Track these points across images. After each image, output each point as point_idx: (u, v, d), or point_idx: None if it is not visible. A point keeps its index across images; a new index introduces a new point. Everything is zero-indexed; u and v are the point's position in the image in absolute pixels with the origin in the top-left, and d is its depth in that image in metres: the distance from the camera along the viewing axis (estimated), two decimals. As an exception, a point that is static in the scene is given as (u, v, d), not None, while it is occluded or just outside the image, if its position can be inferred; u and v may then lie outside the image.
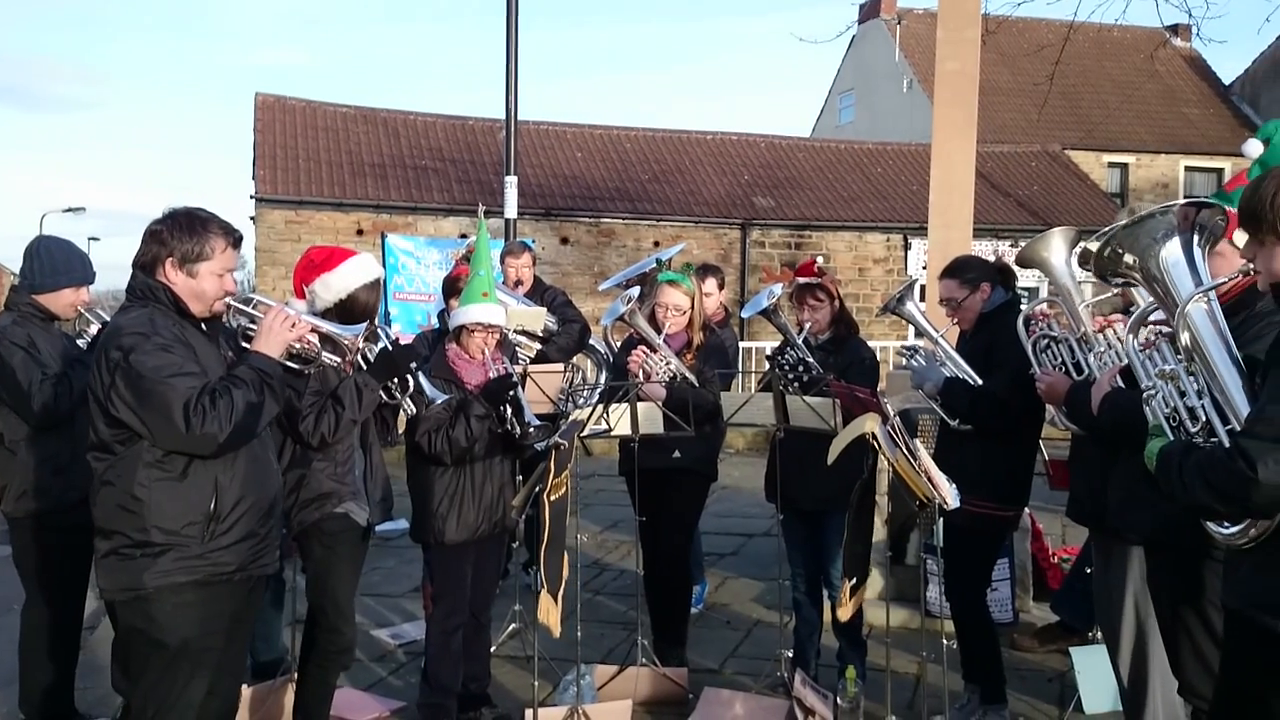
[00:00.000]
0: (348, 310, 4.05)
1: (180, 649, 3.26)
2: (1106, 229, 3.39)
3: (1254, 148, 3.65)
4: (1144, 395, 2.83)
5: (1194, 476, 2.52)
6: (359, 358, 3.93)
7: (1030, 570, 6.26)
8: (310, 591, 4.15)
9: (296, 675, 4.34)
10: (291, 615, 4.74)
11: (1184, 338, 2.69)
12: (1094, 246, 3.61)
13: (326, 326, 3.75)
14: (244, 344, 3.53)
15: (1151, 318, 3.12)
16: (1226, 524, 2.64)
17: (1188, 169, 31.94)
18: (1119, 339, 3.53)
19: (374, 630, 6.01)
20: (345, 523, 4.03)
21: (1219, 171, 30.32)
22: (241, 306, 3.57)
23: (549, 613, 4.07)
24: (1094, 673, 4.78)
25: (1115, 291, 3.70)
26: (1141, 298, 3.44)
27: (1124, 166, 31.86)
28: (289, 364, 3.56)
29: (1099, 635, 5.18)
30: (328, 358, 3.75)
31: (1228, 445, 2.53)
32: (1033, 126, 27.43)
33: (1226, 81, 35.88)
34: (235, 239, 3.42)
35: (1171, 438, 2.72)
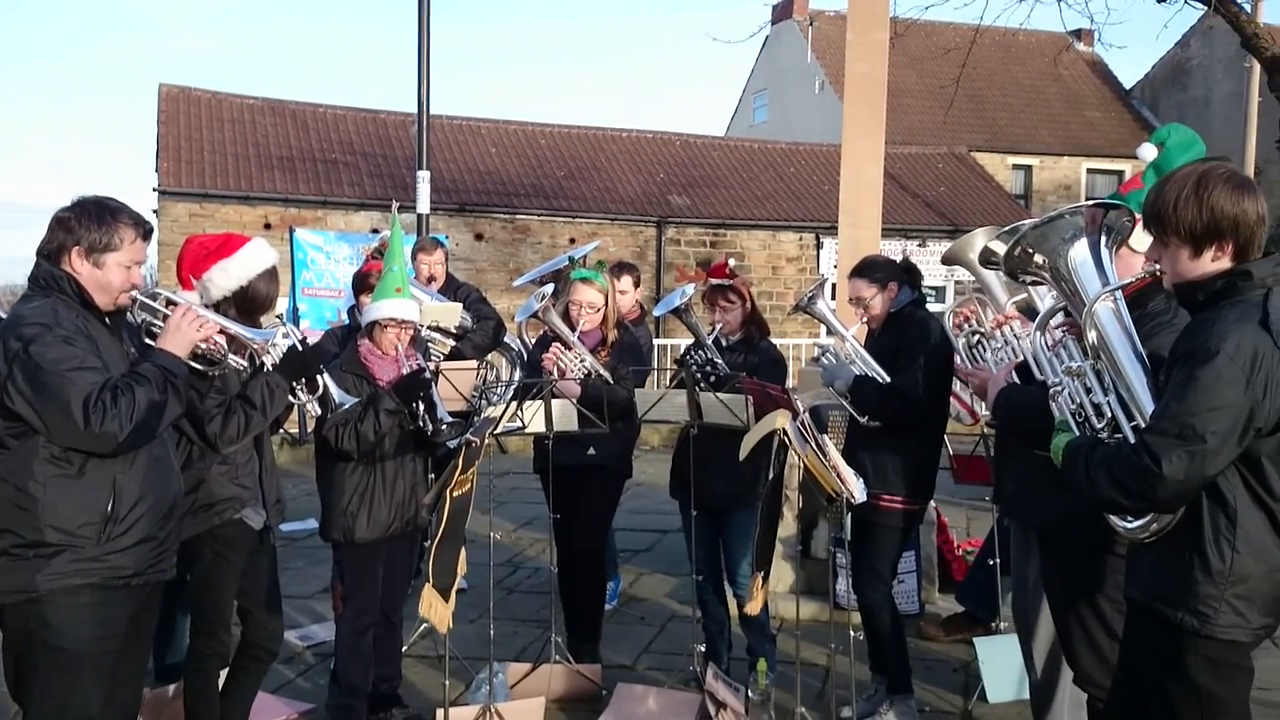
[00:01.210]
0: (245, 300, 3.86)
1: (76, 654, 3.16)
2: (1014, 227, 3.50)
3: (1148, 151, 3.76)
4: (1050, 391, 2.90)
5: (1100, 471, 2.59)
6: (264, 356, 3.81)
7: (936, 562, 6.40)
8: (193, 596, 4.03)
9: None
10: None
11: (1091, 336, 2.76)
12: (999, 246, 3.71)
13: (235, 328, 3.63)
14: (148, 341, 3.43)
15: (1054, 319, 3.21)
16: (1129, 518, 2.72)
17: (1089, 171, 32.89)
18: (1015, 335, 3.63)
19: (282, 632, 5.91)
20: (239, 528, 3.91)
21: (1120, 174, 31.22)
22: (148, 301, 3.46)
23: (433, 608, 3.99)
24: (997, 662, 4.91)
25: (1025, 295, 3.81)
26: (1039, 299, 3.55)
27: (1028, 168, 32.69)
28: (193, 365, 3.46)
29: (1002, 625, 5.33)
30: (234, 360, 3.63)
31: (1133, 441, 2.61)
32: (940, 128, 27.98)
33: (1127, 86, 37.04)
34: (145, 231, 3.32)
35: (1077, 433, 2.79)
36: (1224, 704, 2.67)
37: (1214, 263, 2.64)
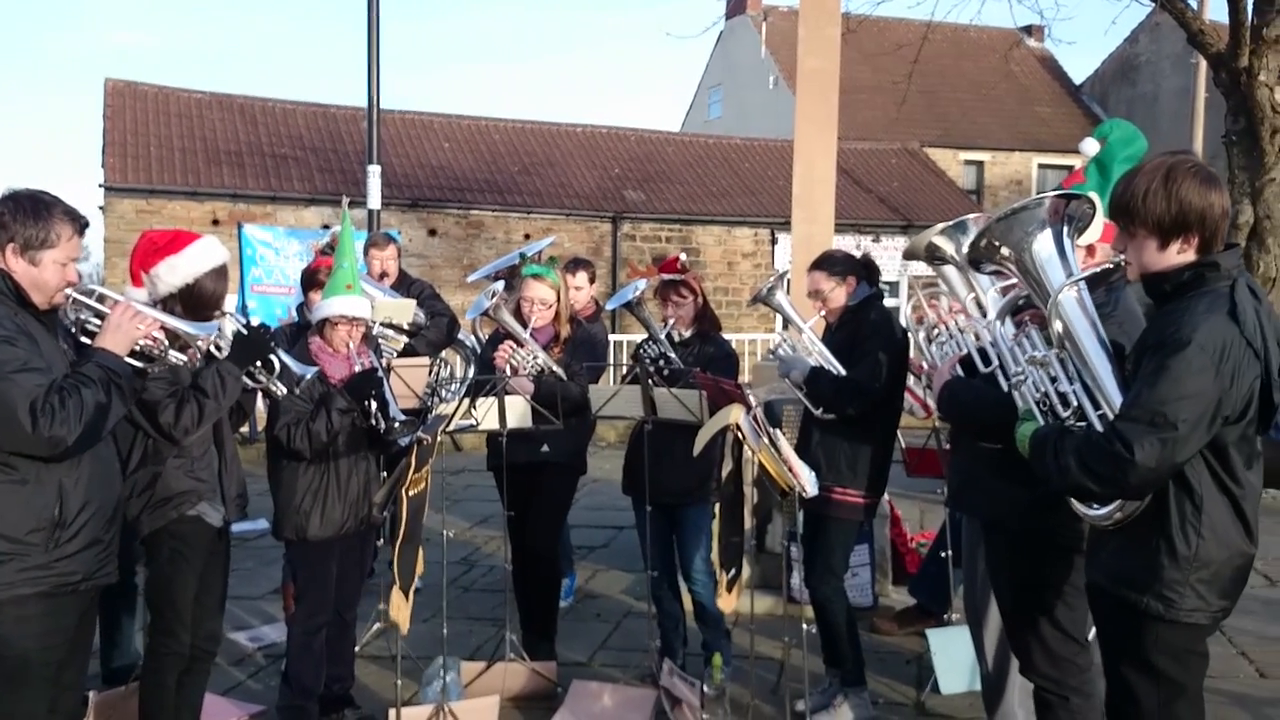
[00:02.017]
0: (193, 297, 3.80)
1: (20, 664, 3.09)
2: (959, 222, 3.52)
3: (1091, 146, 3.81)
4: (1013, 381, 2.94)
5: (1071, 458, 2.64)
6: (211, 348, 3.75)
7: (889, 555, 6.45)
8: (149, 593, 3.98)
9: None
10: (143, 620, 4.57)
11: (1056, 325, 2.80)
12: (944, 242, 3.73)
13: (175, 323, 3.56)
14: (84, 340, 3.35)
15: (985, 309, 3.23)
16: (1094, 506, 2.76)
17: (1040, 166, 33.29)
18: (960, 329, 3.65)
19: (232, 633, 5.84)
20: (197, 524, 3.87)
21: (1070, 168, 31.55)
22: (84, 299, 3.35)
23: (399, 609, 3.99)
24: (950, 654, 4.95)
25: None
26: (982, 292, 3.56)
27: (980, 164, 33.04)
28: (133, 362, 3.38)
29: (954, 617, 5.38)
30: (174, 356, 3.55)
31: (1102, 429, 2.66)
32: (893, 124, 28.20)
33: (1077, 81, 37.55)
34: (81, 225, 3.23)
35: (1042, 422, 2.83)
36: (1181, 688, 2.74)
37: (1180, 255, 2.70)
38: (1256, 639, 5.71)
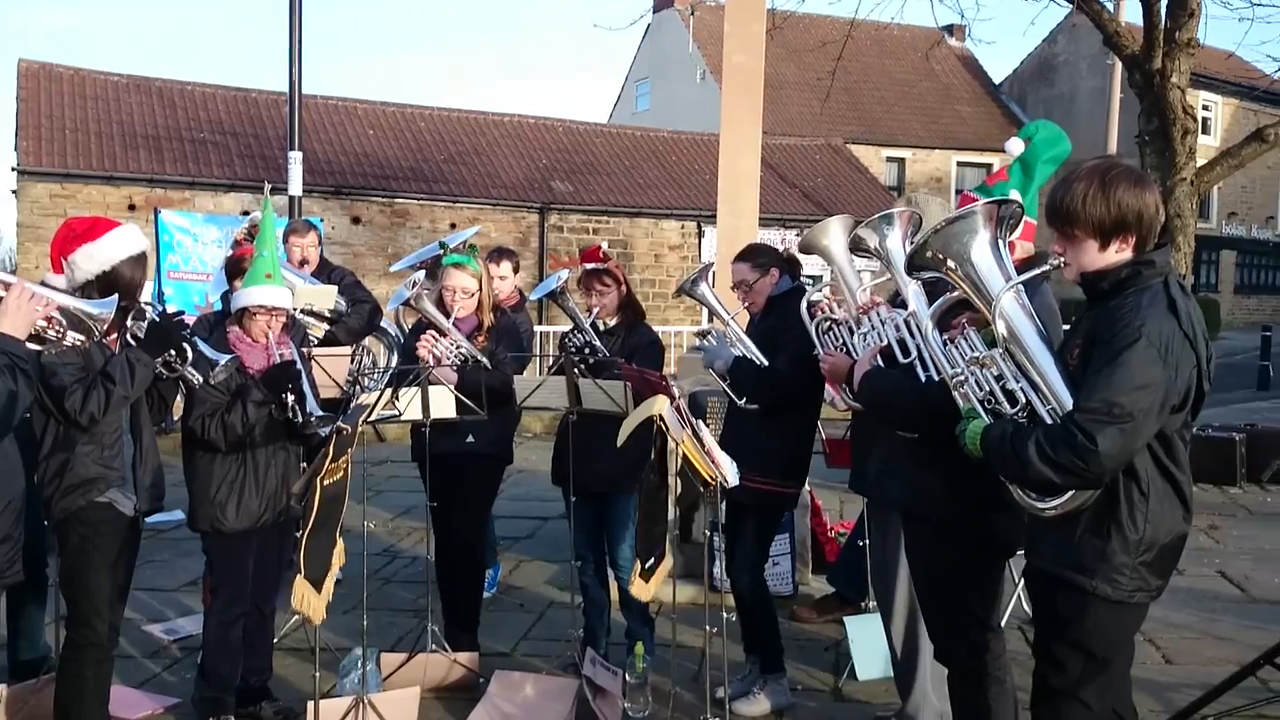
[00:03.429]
0: (110, 285, 3.76)
1: None
2: (886, 214, 3.59)
3: (1016, 145, 3.89)
4: (953, 382, 3.02)
5: (1033, 452, 2.72)
6: (128, 336, 3.71)
7: (810, 545, 6.53)
8: (63, 582, 3.91)
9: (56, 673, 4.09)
10: (55, 612, 4.47)
11: (1000, 327, 2.88)
12: (867, 234, 3.80)
13: (73, 303, 3.49)
14: None
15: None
16: (1043, 498, 2.84)
17: (959, 164, 33.93)
18: (881, 320, 3.72)
19: (146, 625, 5.73)
20: (108, 512, 3.81)
21: (988, 166, 32.29)
22: None
23: (305, 600, 3.91)
24: (866, 641, 5.05)
25: (888, 277, 3.90)
26: (903, 285, 3.63)
27: (901, 161, 33.56)
28: (31, 345, 3.29)
29: (871, 605, 5.47)
30: (73, 337, 3.48)
31: (1059, 423, 2.75)
32: (817, 120, 28.52)
33: (996, 81, 38.26)
34: None
35: (988, 420, 2.91)
36: (1106, 663, 2.87)
37: (1118, 254, 2.82)
38: (1163, 625, 5.90)
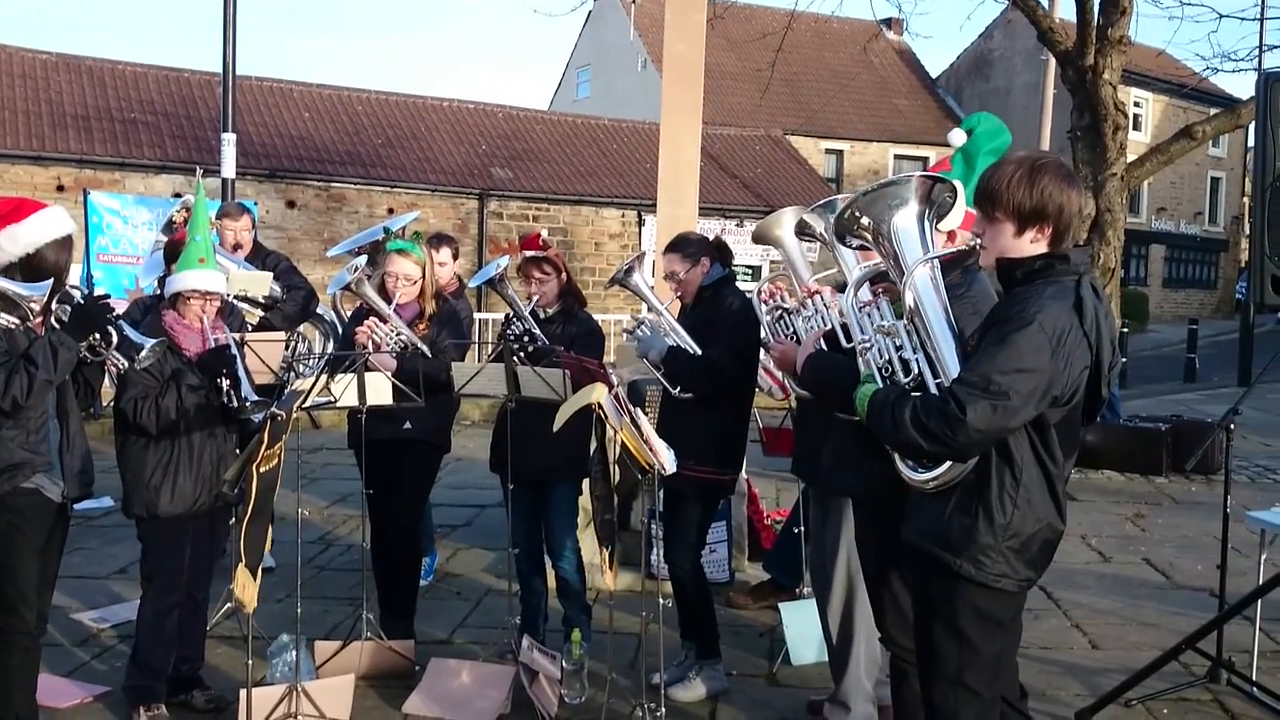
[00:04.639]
0: (34, 268, 3.69)
1: None
2: (828, 201, 3.63)
3: (958, 137, 3.95)
4: (859, 347, 3.06)
5: (906, 415, 2.77)
6: (52, 319, 3.64)
7: (746, 532, 6.60)
8: None
9: None
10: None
11: (908, 298, 2.92)
12: (814, 219, 3.84)
13: (7, 285, 3.43)
14: None
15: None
16: (920, 469, 2.89)
17: (897, 157, 34.28)
18: (825, 306, 3.77)
19: (75, 613, 5.63)
20: (35, 498, 3.74)
21: (925, 160, 32.71)
22: None
23: (245, 588, 3.89)
24: (800, 627, 5.12)
25: (836, 269, 3.95)
26: (848, 272, 3.68)
27: (839, 153, 33.84)
28: None
29: (806, 591, 5.55)
30: (3, 319, 3.43)
31: (939, 393, 2.80)
32: (757, 111, 28.59)
33: (933, 75, 38.70)
34: None
35: (881, 385, 2.96)
36: (980, 654, 2.90)
37: (1032, 244, 2.87)
38: (1089, 611, 6.05)
